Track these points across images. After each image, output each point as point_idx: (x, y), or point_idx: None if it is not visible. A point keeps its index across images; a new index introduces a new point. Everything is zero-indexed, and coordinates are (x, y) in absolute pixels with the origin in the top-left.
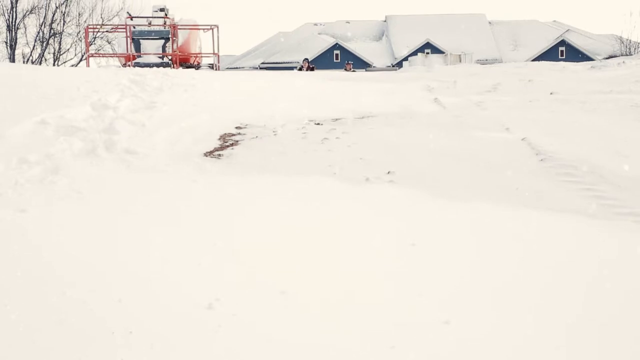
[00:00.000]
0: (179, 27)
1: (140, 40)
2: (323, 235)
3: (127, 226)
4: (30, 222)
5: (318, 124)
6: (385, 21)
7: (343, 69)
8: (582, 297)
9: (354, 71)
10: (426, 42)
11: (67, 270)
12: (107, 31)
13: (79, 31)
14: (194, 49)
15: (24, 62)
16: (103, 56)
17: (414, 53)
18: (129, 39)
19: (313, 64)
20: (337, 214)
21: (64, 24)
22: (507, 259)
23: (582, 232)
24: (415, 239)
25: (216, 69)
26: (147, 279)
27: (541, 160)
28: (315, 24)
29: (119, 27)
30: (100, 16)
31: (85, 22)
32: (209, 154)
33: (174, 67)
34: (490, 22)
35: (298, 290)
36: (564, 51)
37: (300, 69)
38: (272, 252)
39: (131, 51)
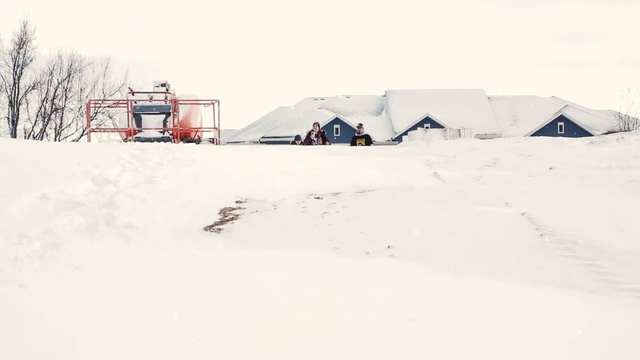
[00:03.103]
0: (180, 102)
1: (142, 115)
2: (324, 310)
3: (126, 301)
4: (30, 297)
5: (318, 198)
6: (385, 96)
7: (355, 132)
8: None
9: (363, 134)
10: (425, 116)
11: (66, 345)
12: (108, 106)
13: (81, 106)
14: (194, 124)
15: (25, 137)
16: (104, 131)
17: (414, 127)
18: (130, 113)
19: (324, 129)
20: (337, 289)
21: (65, 100)
22: (510, 337)
23: (583, 308)
24: (416, 314)
25: (217, 144)
26: (147, 353)
27: (541, 235)
28: (316, 99)
29: (121, 102)
30: (102, 91)
31: (87, 97)
32: (209, 228)
33: (174, 142)
34: (489, 97)
35: None
36: (562, 126)
37: (309, 135)
38: (272, 328)
39: (132, 126)
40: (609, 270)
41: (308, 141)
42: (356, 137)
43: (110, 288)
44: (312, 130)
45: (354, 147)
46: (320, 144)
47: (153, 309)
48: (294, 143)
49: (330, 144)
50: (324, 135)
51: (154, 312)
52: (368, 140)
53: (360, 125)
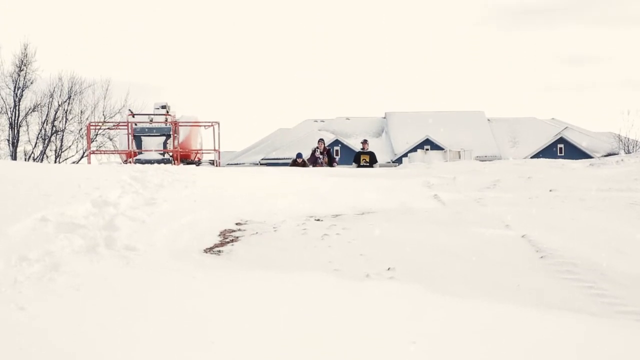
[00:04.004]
0: (180, 124)
1: (142, 137)
2: (324, 333)
3: (126, 323)
4: (29, 319)
5: (318, 220)
6: (384, 118)
7: (360, 148)
8: None
9: (368, 151)
10: (425, 138)
11: None
12: (109, 128)
13: (81, 128)
14: (194, 146)
15: (25, 159)
16: (104, 153)
17: (414, 149)
18: (130, 135)
19: (329, 146)
20: (338, 311)
21: (66, 122)
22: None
23: (584, 331)
24: (416, 337)
25: (217, 165)
26: None
27: (541, 257)
28: (316, 121)
29: (121, 124)
30: (102, 113)
31: (87, 119)
32: (209, 250)
33: (175, 164)
34: (489, 119)
35: None
36: (562, 148)
37: (313, 152)
38: (271, 351)
39: (132, 148)
40: (609, 293)
41: (313, 159)
42: (360, 153)
43: (110, 310)
44: (317, 147)
45: (353, 169)
46: (326, 162)
47: (153, 331)
48: (294, 161)
49: (336, 163)
50: (329, 152)
51: (154, 334)
52: (372, 157)
53: (365, 142)
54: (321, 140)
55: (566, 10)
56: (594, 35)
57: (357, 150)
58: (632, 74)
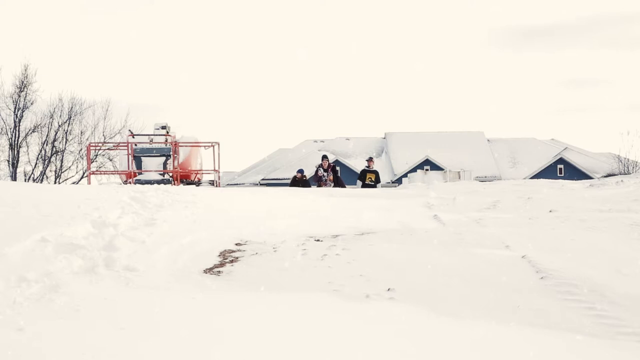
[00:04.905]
0: (180, 144)
1: (142, 158)
2: (324, 355)
3: (126, 344)
4: (28, 340)
5: (318, 240)
6: (384, 138)
7: (366, 166)
8: None
9: (373, 169)
10: (425, 158)
11: None
12: (109, 149)
13: (81, 149)
14: (194, 166)
15: (25, 180)
16: (104, 173)
17: (414, 169)
18: (130, 156)
19: (334, 163)
20: (338, 332)
21: (66, 142)
22: None
23: (584, 352)
24: (417, 358)
25: (217, 186)
26: None
27: (541, 278)
28: (315, 141)
29: (121, 144)
30: (102, 134)
31: (87, 140)
32: (209, 270)
33: (174, 184)
34: (489, 140)
35: None
36: (562, 169)
37: (317, 170)
38: None
39: (132, 168)
40: (609, 314)
41: (316, 177)
42: (366, 170)
43: (110, 331)
44: (321, 165)
45: (355, 189)
46: (330, 180)
47: (153, 352)
48: (295, 177)
49: (343, 182)
50: (334, 169)
51: (154, 355)
52: (377, 176)
53: (371, 159)
54: (325, 157)
55: (567, 33)
56: (594, 58)
57: (363, 168)
58: (632, 96)
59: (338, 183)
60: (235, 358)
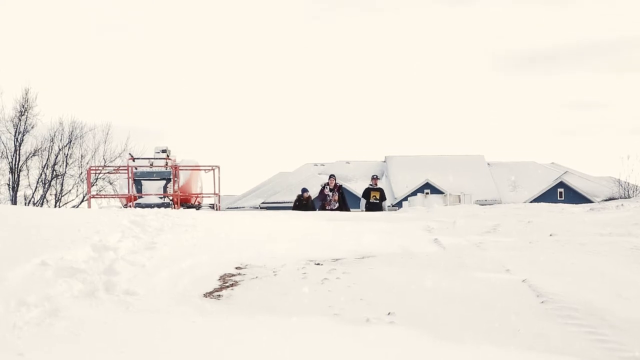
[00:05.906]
0: (180, 167)
1: (142, 181)
2: None
3: None
4: None
5: (318, 264)
6: (384, 161)
7: (370, 184)
8: None
9: (378, 187)
10: (425, 182)
11: None
12: (109, 172)
13: (81, 172)
14: (195, 190)
15: (25, 204)
16: (104, 197)
17: (414, 193)
18: (130, 179)
19: (340, 183)
20: (338, 356)
21: (66, 166)
22: None
23: None
24: None
25: (217, 209)
26: None
27: (542, 302)
28: (316, 164)
29: (121, 168)
30: (102, 157)
31: (87, 163)
32: (209, 294)
33: (175, 208)
34: (489, 164)
35: None
36: (562, 192)
37: (323, 189)
38: None
39: (133, 192)
40: (610, 338)
41: (322, 196)
42: (370, 189)
43: (110, 355)
44: (327, 184)
45: (353, 213)
46: (335, 200)
47: None
48: (300, 197)
49: (347, 205)
50: (340, 189)
51: None
52: (382, 194)
53: (376, 177)
54: (332, 177)
55: (568, 57)
56: (595, 82)
57: (368, 186)
58: (633, 120)
59: (343, 204)
60: None
